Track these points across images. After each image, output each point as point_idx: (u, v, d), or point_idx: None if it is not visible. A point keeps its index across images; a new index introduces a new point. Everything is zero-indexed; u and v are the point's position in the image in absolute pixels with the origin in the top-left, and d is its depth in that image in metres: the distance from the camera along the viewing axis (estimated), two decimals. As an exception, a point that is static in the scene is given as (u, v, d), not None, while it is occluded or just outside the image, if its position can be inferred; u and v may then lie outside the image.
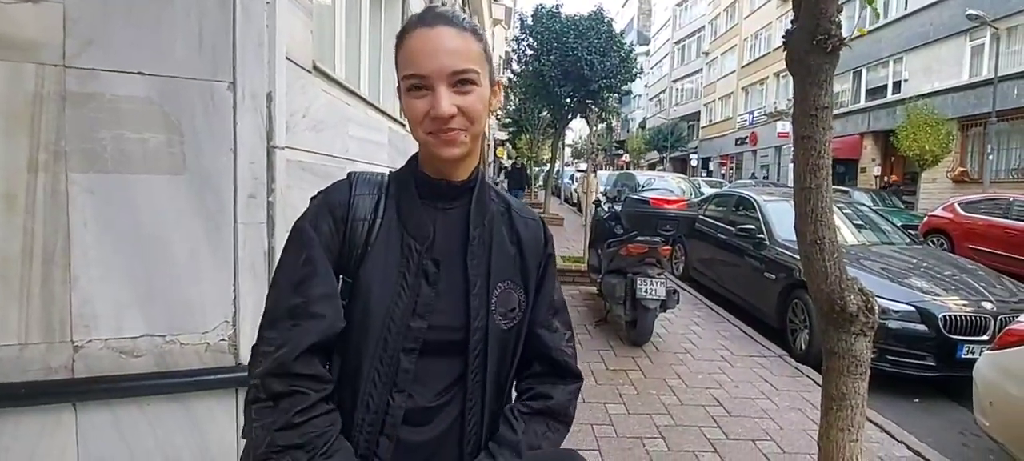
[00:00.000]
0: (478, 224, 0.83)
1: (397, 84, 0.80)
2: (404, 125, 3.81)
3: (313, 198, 0.83)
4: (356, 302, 0.78)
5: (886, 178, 17.41)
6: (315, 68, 2.23)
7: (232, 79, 1.60)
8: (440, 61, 0.73)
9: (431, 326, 0.79)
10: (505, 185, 16.32)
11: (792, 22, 1.53)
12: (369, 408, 0.77)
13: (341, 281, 0.78)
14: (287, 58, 1.80)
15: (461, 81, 0.75)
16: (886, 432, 3.13)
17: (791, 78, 1.57)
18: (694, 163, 35.46)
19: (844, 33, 1.46)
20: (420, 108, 0.75)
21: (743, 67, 30.11)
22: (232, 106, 1.61)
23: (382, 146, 3.40)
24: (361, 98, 3.07)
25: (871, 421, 3.17)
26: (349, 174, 0.85)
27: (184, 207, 1.58)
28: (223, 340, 1.66)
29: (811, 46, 1.42)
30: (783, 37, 1.54)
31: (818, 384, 3.72)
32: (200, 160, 1.59)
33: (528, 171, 17.19)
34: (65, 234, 1.48)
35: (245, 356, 1.63)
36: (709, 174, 31.31)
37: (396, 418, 0.78)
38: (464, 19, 0.79)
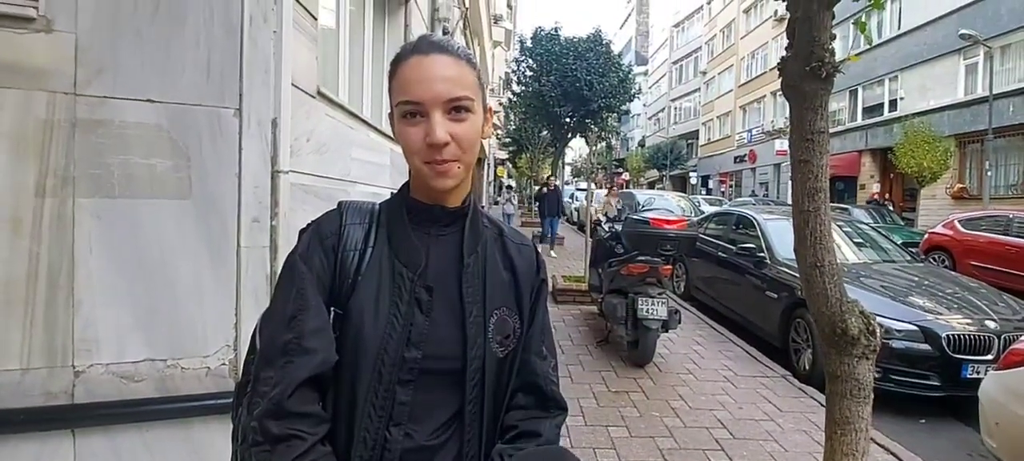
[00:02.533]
0: (472, 250, 0.82)
1: (390, 111, 0.79)
2: (406, 147, 3.84)
3: (302, 230, 0.81)
4: (348, 334, 0.76)
5: (878, 194, 17.37)
6: (319, 93, 2.26)
7: (238, 105, 1.63)
8: (435, 88, 0.73)
9: (427, 355, 0.77)
10: (506, 209, 13.67)
11: (786, 49, 1.57)
12: (366, 444, 0.74)
13: (332, 314, 0.76)
14: (292, 84, 1.83)
15: (456, 109, 0.74)
16: (892, 454, 3.09)
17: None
18: (693, 181, 35.61)
19: (839, 54, 1.49)
20: (414, 136, 0.74)
21: (740, 86, 30.43)
22: (238, 132, 1.63)
23: (384, 168, 3.44)
24: (363, 121, 3.11)
25: (877, 443, 3.14)
26: (339, 203, 0.83)
27: (189, 231, 1.60)
28: (224, 364, 1.66)
29: (805, 73, 1.45)
30: (778, 65, 1.57)
31: (823, 405, 3.68)
32: (205, 185, 1.61)
33: (561, 195, 12.46)
34: (70, 258, 1.49)
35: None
36: (708, 192, 31.40)
37: (394, 454, 0.75)
38: (459, 47, 0.79)
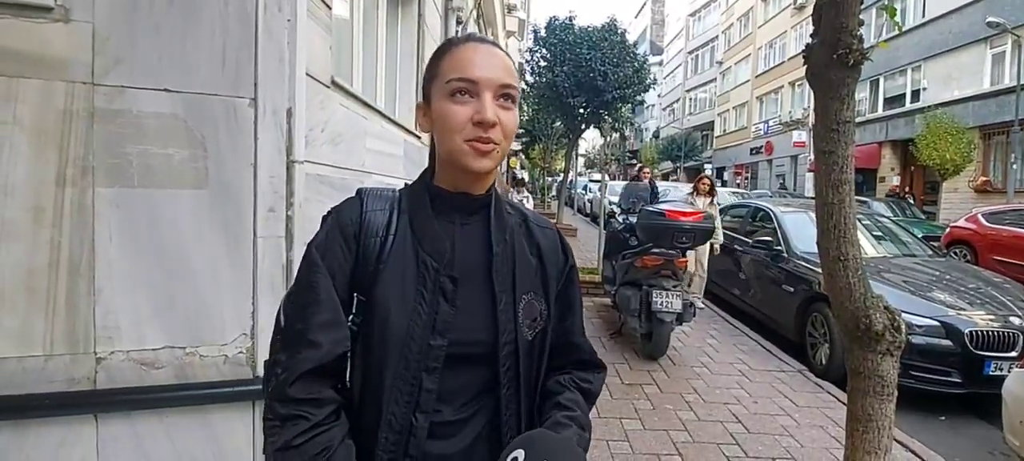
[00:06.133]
0: (500, 239, 0.83)
1: (422, 97, 0.81)
2: (419, 137, 3.84)
3: (325, 216, 0.84)
4: (374, 321, 0.78)
5: (897, 187, 16.97)
6: (333, 83, 2.26)
7: (253, 95, 1.63)
8: (491, 71, 0.77)
9: (455, 341, 0.79)
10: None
11: (811, 36, 1.52)
12: (392, 428, 0.77)
13: (355, 300, 0.79)
14: (307, 74, 1.82)
15: (505, 96, 0.78)
16: (911, 451, 3.04)
17: (808, 88, 1.55)
18: (708, 172, 35.12)
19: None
20: (462, 114, 0.76)
21: (757, 76, 29.89)
22: (253, 121, 1.63)
23: (398, 158, 3.43)
24: (378, 111, 3.10)
25: (896, 440, 3.08)
26: (359, 190, 0.85)
27: (205, 221, 1.61)
28: (241, 353, 1.67)
29: (832, 60, 1.41)
30: (803, 52, 1.52)
31: (840, 401, 3.63)
32: (222, 174, 1.61)
33: (657, 191, 7.93)
34: (90, 247, 1.51)
35: (262, 369, 1.64)
36: (723, 184, 30.96)
37: (420, 438, 0.78)
38: (506, 51, 0.86)
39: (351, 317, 0.79)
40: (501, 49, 0.82)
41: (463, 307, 0.80)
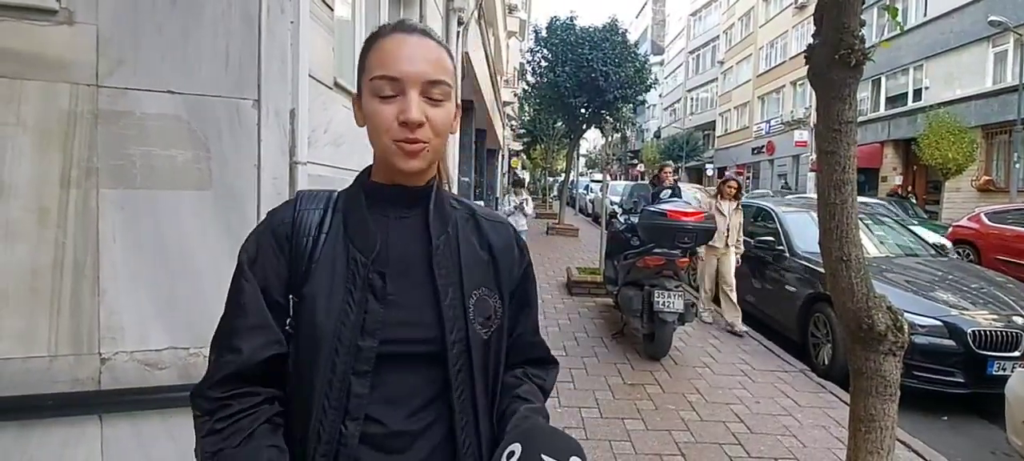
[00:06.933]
0: (441, 231, 0.80)
1: (356, 91, 0.79)
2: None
3: (262, 219, 0.83)
4: (303, 322, 0.74)
5: (899, 187, 16.92)
6: (336, 84, 2.27)
7: (257, 96, 1.64)
8: (416, 66, 0.73)
9: (390, 340, 0.74)
10: (517, 223, 7.13)
11: (813, 36, 1.52)
12: (321, 439, 0.73)
13: (290, 302, 0.76)
14: (310, 75, 1.83)
15: (433, 92, 0.74)
16: (914, 451, 3.04)
17: (809, 87, 1.55)
18: (710, 172, 35.11)
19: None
20: (387, 114, 0.73)
21: (759, 76, 29.86)
22: (256, 123, 1.64)
23: (399, 159, 3.44)
24: (379, 112, 3.10)
25: (899, 440, 3.08)
26: (298, 192, 0.83)
27: (209, 222, 1.61)
28: (245, 353, 1.67)
29: (834, 61, 1.41)
30: (805, 52, 1.52)
31: (843, 401, 3.63)
32: (225, 176, 1.62)
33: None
34: (94, 248, 1.51)
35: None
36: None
37: (351, 447, 0.73)
38: (440, 37, 0.80)
39: (289, 320, 0.76)
40: (434, 39, 0.77)
41: (401, 303, 0.76)
